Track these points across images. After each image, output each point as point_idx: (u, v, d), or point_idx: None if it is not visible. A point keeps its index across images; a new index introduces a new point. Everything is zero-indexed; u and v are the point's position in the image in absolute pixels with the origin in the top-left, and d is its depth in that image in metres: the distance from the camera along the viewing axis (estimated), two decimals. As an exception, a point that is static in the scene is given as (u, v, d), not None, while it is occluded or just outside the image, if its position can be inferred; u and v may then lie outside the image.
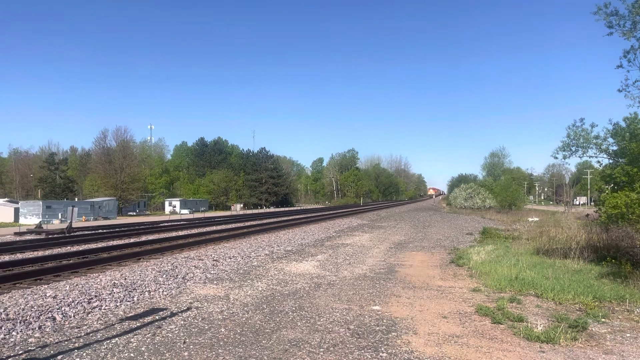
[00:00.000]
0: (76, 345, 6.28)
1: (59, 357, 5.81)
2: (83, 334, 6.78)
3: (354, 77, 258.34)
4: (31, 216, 43.32)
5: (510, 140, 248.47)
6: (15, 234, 25.83)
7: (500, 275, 11.35)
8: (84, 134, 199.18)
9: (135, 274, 11.61)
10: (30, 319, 7.42)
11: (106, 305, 8.52)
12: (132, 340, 6.48)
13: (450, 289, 10.37)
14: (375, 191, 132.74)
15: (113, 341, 6.42)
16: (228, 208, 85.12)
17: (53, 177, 73.57)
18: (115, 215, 53.82)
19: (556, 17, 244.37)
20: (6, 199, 59.49)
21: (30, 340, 6.54)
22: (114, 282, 10.44)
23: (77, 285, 10.17)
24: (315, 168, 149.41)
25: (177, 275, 11.63)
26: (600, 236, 16.10)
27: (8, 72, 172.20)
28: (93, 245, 19.16)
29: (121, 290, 9.70)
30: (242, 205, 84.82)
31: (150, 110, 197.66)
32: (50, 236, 23.31)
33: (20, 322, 7.23)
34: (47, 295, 9.09)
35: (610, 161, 16.46)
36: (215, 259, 14.68)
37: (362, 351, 6.07)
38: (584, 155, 16.91)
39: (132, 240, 21.18)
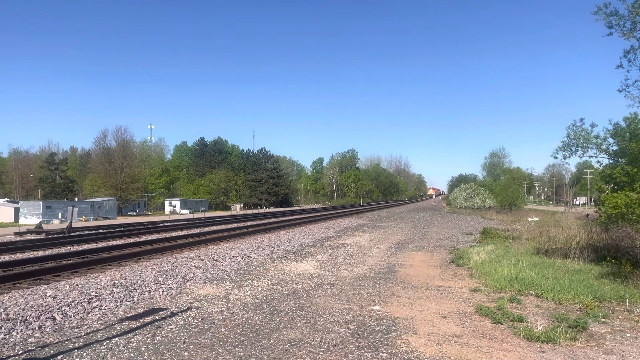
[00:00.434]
0: (76, 345, 6.28)
1: (59, 357, 5.81)
2: (83, 334, 6.78)
3: (354, 77, 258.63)
4: (31, 216, 43.35)
5: (510, 140, 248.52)
6: (15, 234, 25.85)
7: (500, 275, 11.35)
8: (84, 134, 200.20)
9: (135, 274, 11.61)
10: (30, 319, 7.43)
11: (106, 305, 8.52)
12: (132, 340, 6.48)
13: (451, 289, 10.37)
14: (375, 191, 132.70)
15: (113, 341, 6.42)
16: (228, 208, 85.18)
17: (53, 177, 73.57)
18: (115, 215, 53.84)
19: (556, 17, 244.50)
20: (6, 199, 59.57)
21: (30, 340, 6.55)
22: (114, 282, 10.45)
23: (77, 285, 10.17)
24: (315, 168, 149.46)
25: (177, 275, 11.63)
26: (600, 236, 16.12)
27: (8, 72, 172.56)
28: (93, 245, 19.17)
29: (121, 290, 9.70)
30: (242, 205, 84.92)
31: (150, 110, 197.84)
32: (50, 236, 23.32)
33: (20, 322, 7.23)
34: (47, 295, 9.09)
35: (610, 161, 16.45)
36: (215, 259, 14.69)
37: (362, 351, 6.07)
38: (584, 155, 16.93)
39: (132, 240, 21.18)
